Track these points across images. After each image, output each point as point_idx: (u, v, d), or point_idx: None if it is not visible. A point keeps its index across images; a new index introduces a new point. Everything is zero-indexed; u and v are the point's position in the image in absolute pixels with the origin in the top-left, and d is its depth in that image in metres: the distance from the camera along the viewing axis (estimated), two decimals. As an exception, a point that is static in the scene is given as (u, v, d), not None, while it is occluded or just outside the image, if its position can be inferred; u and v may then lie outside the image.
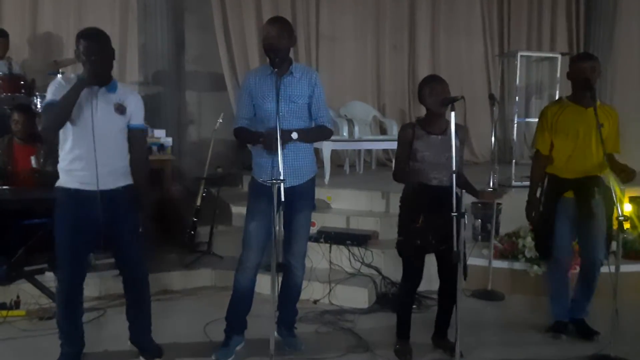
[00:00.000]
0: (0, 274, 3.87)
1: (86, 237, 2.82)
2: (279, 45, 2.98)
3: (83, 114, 2.73)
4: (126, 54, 6.69)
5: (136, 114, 2.91)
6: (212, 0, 6.85)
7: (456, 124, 2.80)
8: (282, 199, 2.67)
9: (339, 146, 5.93)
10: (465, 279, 3.02)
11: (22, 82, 5.26)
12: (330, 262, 4.36)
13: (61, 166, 2.86)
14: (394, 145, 6.50)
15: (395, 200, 4.84)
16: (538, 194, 3.48)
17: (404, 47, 7.74)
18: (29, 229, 4.19)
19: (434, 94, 3.01)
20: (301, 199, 3.13)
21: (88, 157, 2.75)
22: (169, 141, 5.89)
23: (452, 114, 2.80)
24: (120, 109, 2.84)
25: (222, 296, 3.66)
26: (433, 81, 3.06)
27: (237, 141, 3.31)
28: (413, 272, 3.15)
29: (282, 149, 2.76)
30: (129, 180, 2.94)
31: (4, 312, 3.76)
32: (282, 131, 2.78)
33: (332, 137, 4.06)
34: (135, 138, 2.92)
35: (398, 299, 3.43)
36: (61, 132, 2.81)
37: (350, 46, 7.53)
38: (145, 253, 3.04)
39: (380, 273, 4.27)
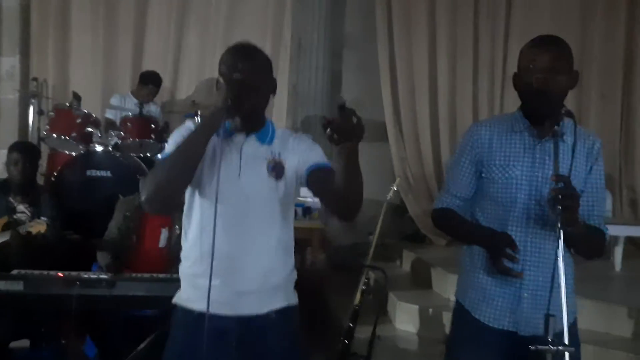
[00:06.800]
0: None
1: None
2: (557, 84, 1.70)
3: (218, 179, 1.56)
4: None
5: (308, 155, 1.69)
6: (378, 34, 5.71)
7: None
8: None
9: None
10: None
11: (152, 126, 4.40)
12: None
13: (182, 269, 1.72)
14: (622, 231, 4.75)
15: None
16: None
17: (615, 96, 5.97)
18: (138, 323, 3.17)
19: None
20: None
21: (224, 256, 1.58)
22: (316, 203, 4.71)
23: None
24: (276, 170, 1.66)
25: None
26: None
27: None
28: None
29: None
30: (291, 299, 1.76)
31: None
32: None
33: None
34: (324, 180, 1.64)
35: None
36: (185, 208, 1.68)
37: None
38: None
39: None
